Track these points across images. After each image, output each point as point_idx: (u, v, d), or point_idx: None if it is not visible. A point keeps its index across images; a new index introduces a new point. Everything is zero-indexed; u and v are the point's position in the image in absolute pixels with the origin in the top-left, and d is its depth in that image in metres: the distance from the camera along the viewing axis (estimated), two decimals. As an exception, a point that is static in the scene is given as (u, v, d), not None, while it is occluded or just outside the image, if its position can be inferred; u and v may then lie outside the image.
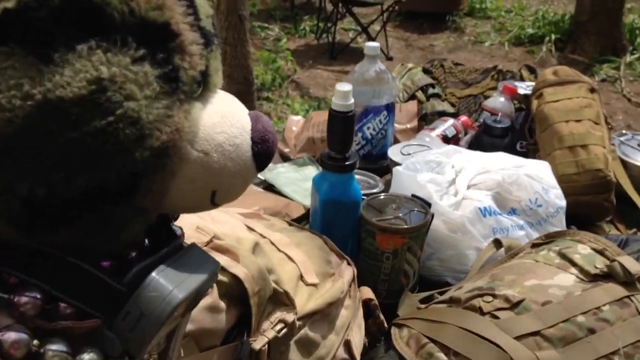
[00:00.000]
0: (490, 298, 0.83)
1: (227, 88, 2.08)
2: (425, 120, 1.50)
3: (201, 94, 0.51)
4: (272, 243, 0.84)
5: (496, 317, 0.80)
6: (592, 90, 1.29)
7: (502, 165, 1.14)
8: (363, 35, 4.94)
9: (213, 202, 0.55)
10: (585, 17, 4.71)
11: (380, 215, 0.98)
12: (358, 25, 4.95)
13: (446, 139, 1.38)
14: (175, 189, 0.50)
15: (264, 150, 0.54)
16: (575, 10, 4.86)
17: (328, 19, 5.02)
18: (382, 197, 1.03)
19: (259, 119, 0.55)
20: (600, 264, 0.88)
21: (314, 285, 0.82)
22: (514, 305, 0.81)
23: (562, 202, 1.13)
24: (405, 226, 0.97)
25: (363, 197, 1.03)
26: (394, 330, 0.86)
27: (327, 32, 4.91)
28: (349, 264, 0.89)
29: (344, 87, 0.93)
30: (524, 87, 1.45)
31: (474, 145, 1.34)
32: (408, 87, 1.61)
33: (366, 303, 0.91)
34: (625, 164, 1.32)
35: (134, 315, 0.48)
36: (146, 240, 0.55)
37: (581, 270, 0.87)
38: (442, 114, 1.50)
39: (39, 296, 0.47)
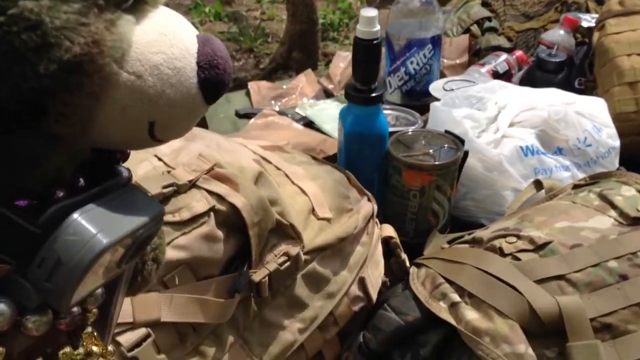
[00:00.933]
0: (514, 239, 0.77)
1: (291, 27, 2.07)
2: (479, 55, 1.41)
3: (135, 7, 0.44)
4: (287, 175, 0.82)
5: (518, 259, 0.75)
6: (662, 21, 1.17)
7: (550, 101, 1.06)
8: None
9: (152, 135, 0.47)
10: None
11: (408, 151, 0.94)
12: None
13: (497, 75, 1.29)
14: (101, 117, 0.43)
15: (212, 77, 0.46)
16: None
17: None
18: (412, 132, 0.98)
19: (209, 40, 0.47)
20: (644, 207, 0.80)
21: (327, 219, 0.79)
22: (539, 247, 0.76)
23: (616, 142, 1.04)
24: (433, 162, 0.91)
25: (393, 132, 0.98)
26: (412, 270, 0.82)
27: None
28: (369, 200, 0.86)
29: (369, 12, 0.87)
30: (589, 19, 1.34)
31: (525, 80, 1.25)
32: (463, 20, 1.51)
33: (387, 241, 0.87)
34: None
35: (50, 262, 0.41)
36: (81, 180, 0.47)
37: (621, 213, 0.80)
38: (497, 49, 1.40)
39: None
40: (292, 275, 0.73)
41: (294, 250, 0.72)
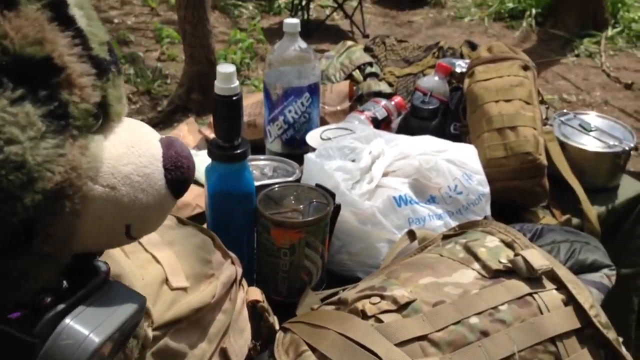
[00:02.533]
0: (377, 299, 0.75)
1: (188, 69, 2.02)
2: (361, 101, 1.42)
3: (102, 126, 0.48)
4: (140, 243, 0.77)
5: (380, 321, 0.73)
6: (526, 68, 1.21)
7: (422, 149, 1.07)
8: (340, 12, 4.83)
9: (129, 235, 0.51)
10: (566, -10, 4.61)
11: (276, 208, 0.91)
12: (334, 1, 4.84)
13: (376, 121, 1.30)
14: (82, 229, 0.47)
15: (178, 177, 0.52)
16: (556, -17, 4.76)
17: (303, -4, 4.90)
18: (281, 187, 0.96)
19: (171, 144, 0.52)
20: (505, 258, 0.80)
21: (182, 289, 0.74)
22: (402, 307, 0.74)
23: (485, 189, 1.06)
24: (302, 219, 0.89)
25: (269, 184, 0.96)
26: (279, 335, 0.78)
27: (303, 9, 4.79)
28: (233, 263, 0.82)
29: (226, 68, 0.84)
30: (462, 65, 1.37)
31: (402, 127, 1.26)
32: (345, 66, 1.52)
33: (254, 305, 0.83)
34: (563, 146, 1.25)
35: None
36: (64, 282, 0.50)
37: (484, 265, 0.80)
38: (379, 95, 1.41)
39: None
40: (139, 355, 0.68)
41: (140, 329, 0.67)
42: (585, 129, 1.27)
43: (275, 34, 4.68)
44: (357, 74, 1.50)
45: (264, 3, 5.21)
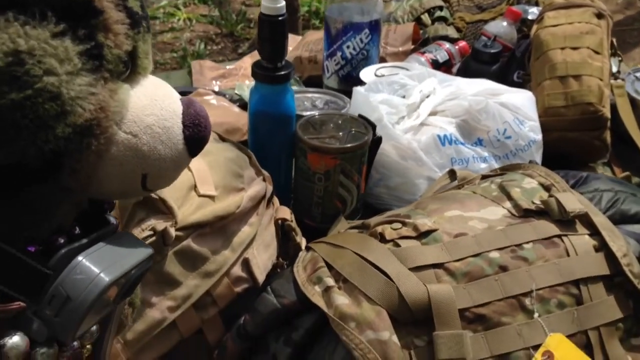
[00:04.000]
0: (399, 225, 0.75)
1: None
2: (427, 45, 1.39)
3: (130, 77, 0.51)
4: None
5: (398, 245, 0.73)
6: (600, 16, 1.14)
7: (476, 91, 1.04)
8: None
9: (144, 186, 0.54)
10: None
11: (315, 134, 0.92)
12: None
13: (437, 64, 1.27)
14: (103, 172, 0.49)
15: (195, 134, 0.54)
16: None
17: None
18: (323, 114, 0.96)
19: (192, 103, 0.55)
20: (539, 199, 0.78)
21: (210, 196, 0.77)
22: (422, 235, 0.73)
23: (537, 136, 1.02)
24: (338, 146, 0.89)
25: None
26: (301, 253, 0.80)
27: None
28: (264, 180, 0.84)
29: (273, -13, 0.85)
30: (535, 13, 1.31)
31: (461, 71, 1.23)
32: (415, 8, 1.49)
33: (283, 223, 0.85)
34: (634, 103, 1.18)
35: (60, 299, 0.47)
36: (77, 228, 0.54)
37: (515, 204, 0.77)
38: (445, 39, 1.38)
39: None
40: (161, 251, 0.71)
41: (160, 225, 0.70)
42: (661, 85, 1.19)
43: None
44: (425, 17, 1.47)
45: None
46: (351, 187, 0.92)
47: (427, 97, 1.04)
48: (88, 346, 0.55)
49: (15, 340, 0.47)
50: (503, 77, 1.19)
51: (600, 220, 0.77)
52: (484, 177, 0.89)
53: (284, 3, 0.86)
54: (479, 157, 0.99)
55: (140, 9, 0.52)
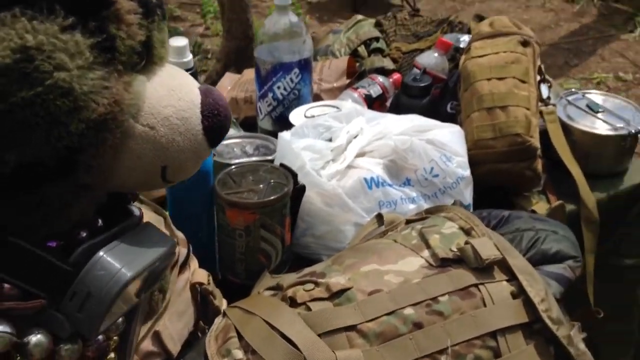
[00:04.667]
0: (311, 286, 0.73)
1: (226, 44, 2.01)
2: (363, 77, 1.38)
3: (145, 67, 0.50)
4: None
5: (309, 309, 0.70)
6: (526, 44, 1.13)
7: (402, 129, 1.02)
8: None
9: (164, 178, 0.53)
10: (631, -39, 4.33)
11: (234, 188, 0.89)
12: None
13: (370, 99, 1.25)
14: (121, 166, 0.49)
15: (214, 124, 0.53)
16: (621, -47, 4.48)
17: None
18: (242, 166, 0.94)
19: (210, 92, 0.54)
20: (456, 247, 0.76)
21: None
22: (335, 295, 0.71)
23: (465, 172, 1.00)
24: (255, 200, 0.87)
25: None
26: (217, 320, 0.77)
27: (353, -17, 4.69)
28: (177, 243, 0.81)
29: (178, 41, 0.83)
30: (467, 41, 1.30)
31: (393, 106, 1.22)
32: (352, 41, 1.48)
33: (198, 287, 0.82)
34: (567, 128, 1.17)
35: (81, 295, 0.47)
36: (99, 221, 0.53)
37: (433, 253, 0.76)
38: (381, 71, 1.37)
39: None
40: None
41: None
42: (592, 109, 1.19)
43: (322, 8, 4.64)
44: (362, 49, 1.45)
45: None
46: (274, 240, 0.90)
47: (355, 137, 1.02)
48: (115, 338, 0.55)
49: (39, 337, 0.47)
50: (436, 110, 1.18)
51: (519, 264, 0.75)
52: (408, 222, 0.87)
53: (191, 57, 0.84)
54: (408, 197, 0.98)
55: None
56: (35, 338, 0.47)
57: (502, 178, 1.08)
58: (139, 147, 0.49)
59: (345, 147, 1.01)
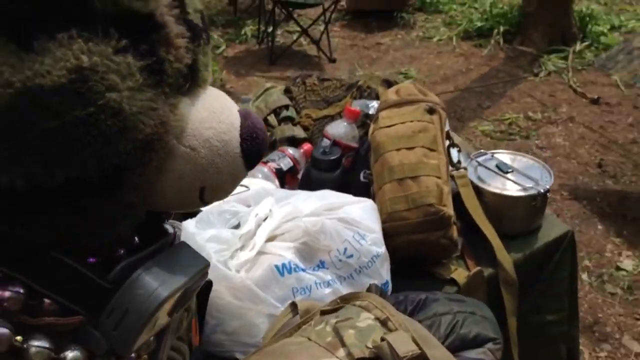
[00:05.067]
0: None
1: None
2: (274, 148, 1.34)
3: (189, 89, 0.51)
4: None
5: None
6: (432, 111, 1.13)
7: (313, 208, 0.99)
8: (307, 37, 4.78)
9: (202, 199, 0.54)
10: (533, 6, 4.56)
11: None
12: (299, 26, 4.80)
13: (281, 173, 1.22)
14: (162, 185, 0.49)
15: (253, 147, 0.53)
16: (523, 0, 4.72)
17: (269, 23, 4.86)
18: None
19: (249, 116, 0.54)
20: (372, 343, 0.72)
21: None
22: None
23: (380, 249, 0.98)
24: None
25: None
26: None
27: (268, 36, 4.74)
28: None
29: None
30: (376, 107, 1.30)
31: (304, 180, 1.18)
32: (260, 110, 1.45)
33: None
34: (479, 190, 1.17)
35: (119, 313, 0.47)
36: (136, 238, 0.54)
37: (348, 353, 0.71)
38: (292, 141, 1.34)
39: (22, 291, 0.46)
40: None
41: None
42: (502, 170, 1.20)
43: (239, 62, 4.64)
44: (272, 118, 1.43)
45: (232, 31, 5.17)
46: (181, 346, 0.83)
47: (264, 220, 0.98)
48: (145, 357, 0.55)
49: (76, 353, 0.47)
50: (348, 180, 1.15)
51: (438, 356, 0.72)
52: (323, 313, 0.83)
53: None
54: (322, 282, 0.93)
55: (201, 21, 0.52)
56: (72, 354, 0.47)
57: (418, 248, 1.06)
58: (180, 168, 0.49)
59: (255, 232, 0.96)
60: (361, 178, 1.19)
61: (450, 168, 1.14)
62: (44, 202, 0.45)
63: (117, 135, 0.45)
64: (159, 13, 0.46)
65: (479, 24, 5.08)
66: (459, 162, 1.16)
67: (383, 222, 1.03)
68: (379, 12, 5.49)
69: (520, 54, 4.51)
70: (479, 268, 1.07)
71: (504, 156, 1.24)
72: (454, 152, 1.16)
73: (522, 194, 1.14)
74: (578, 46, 4.52)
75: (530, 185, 1.15)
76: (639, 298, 2.14)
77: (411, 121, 1.11)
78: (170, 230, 0.57)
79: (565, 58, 4.36)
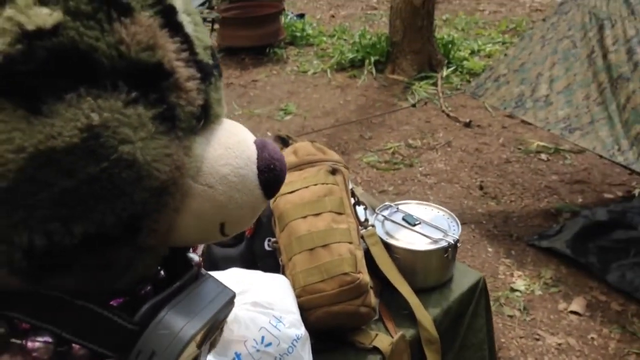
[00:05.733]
0: None
1: None
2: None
3: (203, 127, 0.50)
4: None
5: None
6: (334, 171, 1.09)
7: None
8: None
9: (223, 233, 0.53)
10: (399, 36, 4.73)
11: None
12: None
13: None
14: (181, 225, 0.49)
15: (271, 179, 0.53)
16: (389, 30, 4.88)
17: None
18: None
19: (265, 147, 0.54)
20: None
21: None
22: None
23: (300, 331, 0.91)
24: None
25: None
26: None
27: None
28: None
29: None
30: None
31: (207, 260, 1.09)
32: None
33: None
34: (389, 247, 1.13)
35: (146, 354, 0.47)
36: (162, 272, 0.55)
37: None
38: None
39: (50, 340, 0.47)
40: None
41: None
42: (409, 223, 1.17)
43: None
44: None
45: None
46: None
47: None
48: None
49: None
50: (252, 254, 1.07)
51: None
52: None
53: None
54: (241, 377, 0.85)
55: (211, 58, 0.51)
56: None
57: (337, 319, 1.01)
58: (198, 206, 0.49)
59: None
60: (266, 247, 1.11)
61: (359, 227, 1.10)
62: (64, 258, 0.45)
63: (132, 186, 0.44)
64: (167, 60, 0.46)
65: (350, 55, 5.20)
66: (366, 220, 1.12)
67: (298, 296, 0.97)
68: (250, 48, 5.48)
69: (393, 82, 4.66)
70: (401, 333, 1.03)
71: (409, 207, 1.22)
72: (360, 210, 1.12)
73: (433, 247, 1.12)
74: (445, 72, 4.74)
75: (440, 237, 1.13)
76: (535, 317, 2.21)
77: (315, 185, 1.05)
78: (196, 259, 0.57)
79: (435, 84, 4.54)
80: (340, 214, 1.03)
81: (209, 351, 0.63)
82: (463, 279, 1.18)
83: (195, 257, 0.57)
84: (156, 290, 0.52)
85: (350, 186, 1.12)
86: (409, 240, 1.14)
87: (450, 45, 4.93)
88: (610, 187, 3.05)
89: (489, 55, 4.93)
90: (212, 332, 0.55)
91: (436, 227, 1.15)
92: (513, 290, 2.35)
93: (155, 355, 0.47)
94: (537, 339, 2.12)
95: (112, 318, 0.48)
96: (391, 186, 3.14)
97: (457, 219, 1.18)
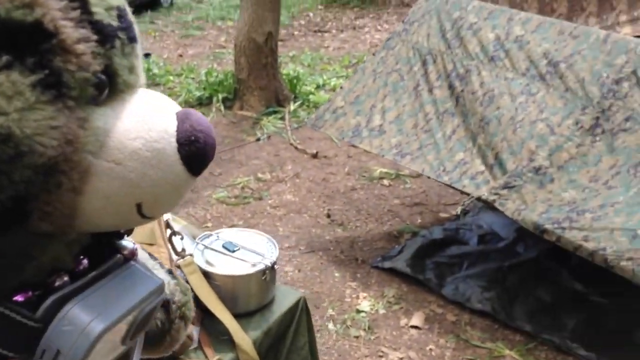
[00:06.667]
0: None
1: None
2: None
3: (110, 97, 0.47)
4: None
5: None
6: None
7: None
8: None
9: (142, 214, 0.48)
10: (245, 74, 4.81)
11: None
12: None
13: None
14: (87, 207, 0.45)
15: (193, 152, 0.48)
16: (235, 68, 4.96)
17: None
18: None
19: (188, 117, 0.49)
20: None
21: None
22: None
23: None
24: None
25: None
26: None
27: None
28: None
29: None
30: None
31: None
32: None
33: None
34: (208, 275, 1.14)
35: (51, 353, 0.44)
36: (85, 261, 0.50)
37: None
38: None
39: None
40: None
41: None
42: (228, 249, 1.19)
43: None
44: None
45: None
46: None
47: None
48: None
49: None
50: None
51: None
52: None
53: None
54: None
55: (117, 19, 0.46)
56: None
57: (152, 353, 0.99)
58: (105, 186, 0.44)
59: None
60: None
61: (176, 257, 1.10)
62: None
63: (9, 164, 0.40)
64: (49, 19, 0.41)
65: (197, 93, 5.21)
66: (183, 249, 1.12)
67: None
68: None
69: (241, 118, 4.71)
70: (217, 357, 1.03)
71: (230, 234, 1.24)
72: (176, 240, 1.12)
73: (251, 270, 1.15)
74: (292, 106, 4.88)
75: (258, 261, 1.16)
76: (379, 335, 2.30)
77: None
78: (130, 246, 0.52)
79: (283, 118, 4.66)
80: (150, 245, 1.03)
81: (172, 346, 0.61)
82: (284, 300, 1.21)
83: (128, 244, 0.53)
84: (74, 282, 0.47)
85: (166, 217, 1.12)
86: (228, 266, 1.15)
87: (296, 81, 5.08)
88: (445, 207, 3.27)
89: (333, 89, 5.14)
90: (141, 325, 0.50)
91: (254, 252, 1.18)
92: (359, 311, 2.44)
93: (60, 354, 0.44)
94: (381, 356, 2.21)
95: (9, 315, 0.43)
96: (241, 220, 3.16)
97: (275, 242, 1.22)
